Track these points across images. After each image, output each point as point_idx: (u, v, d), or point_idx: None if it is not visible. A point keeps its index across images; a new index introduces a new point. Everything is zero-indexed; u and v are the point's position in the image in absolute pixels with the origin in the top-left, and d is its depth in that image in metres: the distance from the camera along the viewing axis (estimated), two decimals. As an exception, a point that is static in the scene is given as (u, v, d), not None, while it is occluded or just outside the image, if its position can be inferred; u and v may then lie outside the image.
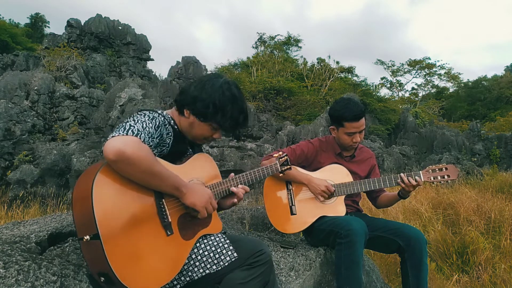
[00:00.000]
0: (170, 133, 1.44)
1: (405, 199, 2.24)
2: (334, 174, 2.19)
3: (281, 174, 1.85)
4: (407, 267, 2.00)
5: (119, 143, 1.16)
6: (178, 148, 1.50)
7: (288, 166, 1.83)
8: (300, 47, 27.17)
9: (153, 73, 18.84)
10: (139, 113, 1.39)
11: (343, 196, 2.15)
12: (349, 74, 24.14)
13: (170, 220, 1.32)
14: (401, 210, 4.92)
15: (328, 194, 2.09)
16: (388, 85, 31.07)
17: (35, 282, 1.21)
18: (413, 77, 30.68)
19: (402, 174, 2.05)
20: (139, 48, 17.13)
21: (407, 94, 31.43)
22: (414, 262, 1.98)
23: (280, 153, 1.89)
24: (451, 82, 32.11)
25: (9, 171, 9.12)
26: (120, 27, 16.91)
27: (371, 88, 24.67)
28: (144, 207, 1.26)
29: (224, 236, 1.52)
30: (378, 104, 18.20)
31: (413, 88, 32.93)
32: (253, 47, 27.57)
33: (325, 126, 12.34)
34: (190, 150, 1.60)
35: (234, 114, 1.45)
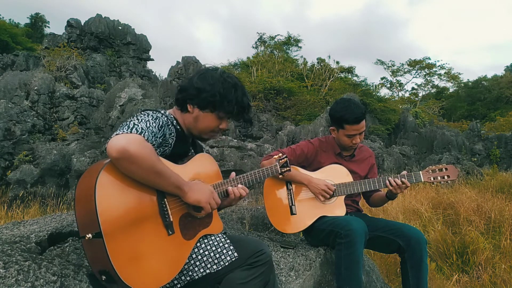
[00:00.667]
0: (173, 133, 1.45)
1: (393, 200, 2.25)
2: (334, 174, 2.19)
3: (280, 176, 1.86)
4: (407, 267, 2.01)
5: (122, 141, 1.16)
6: (180, 149, 1.50)
7: (288, 168, 1.83)
8: (300, 47, 27.21)
9: (153, 73, 18.84)
10: (142, 112, 1.40)
11: (343, 196, 2.16)
12: (349, 74, 24.15)
13: (171, 219, 1.32)
14: (401, 210, 4.92)
15: (329, 193, 2.09)
16: (388, 85, 31.11)
17: (35, 282, 1.21)
18: (413, 77, 30.73)
19: (390, 178, 2.06)
20: (139, 48, 17.12)
21: (407, 94, 31.48)
22: (414, 262, 1.98)
23: (280, 154, 1.89)
24: (451, 82, 32.16)
25: (9, 171, 9.12)
26: (120, 27, 16.91)
27: (371, 88, 24.69)
28: (146, 206, 1.26)
29: (224, 236, 1.53)
30: (378, 104, 18.20)
31: (413, 88, 32.98)
32: (253, 47, 27.61)
33: (325, 126, 12.34)
34: (192, 151, 1.61)
35: (238, 99, 1.48)
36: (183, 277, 1.40)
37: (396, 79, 30.85)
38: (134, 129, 1.24)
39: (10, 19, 30.26)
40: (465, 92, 32.48)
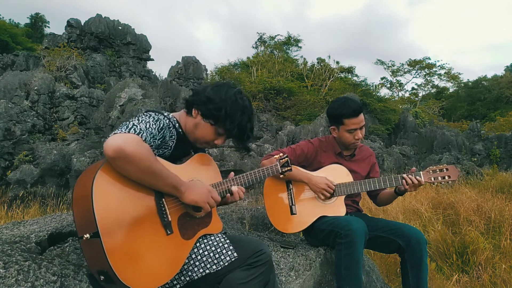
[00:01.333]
0: (173, 136, 1.45)
1: (402, 196, 2.24)
2: (335, 174, 2.19)
3: (281, 175, 1.86)
4: (407, 267, 2.01)
5: (119, 140, 1.16)
6: (181, 151, 1.50)
7: (289, 168, 1.84)
8: (300, 47, 27.18)
9: (153, 73, 18.84)
10: (144, 113, 1.40)
11: (343, 196, 2.15)
12: (349, 74, 24.13)
13: (170, 219, 1.32)
14: (401, 210, 4.92)
15: (329, 191, 2.09)
16: (388, 85, 31.08)
17: (35, 282, 1.20)
18: (413, 77, 30.70)
19: (405, 175, 2.05)
20: (139, 48, 17.12)
21: (407, 94, 31.46)
22: (414, 262, 1.98)
23: (281, 154, 1.89)
24: (451, 82, 32.14)
25: (9, 171, 9.12)
26: (120, 27, 16.90)
27: (371, 88, 24.65)
28: (144, 206, 1.26)
29: (224, 236, 1.52)
30: (378, 104, 18.19)
31: (413, 88, 32.95)
32: (253, 47, 27.59)
33: (325, 126, 12.34)
34: (193, 153, 1.60)
35: (242, 123, 1.47)
36: (182, 277, 1.40)
37: (396, 79, 30.86)
38: (132, 129, 1.24)
39: (10, 19, 30.27)
40: (465, 92, 32.47)
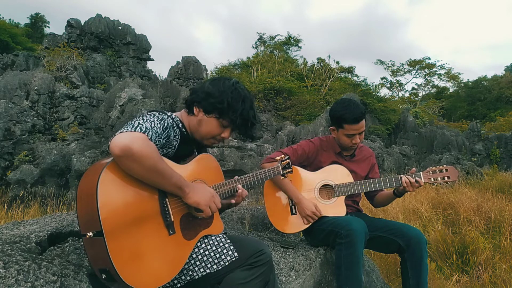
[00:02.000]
0: (177, 136, 1.45)
1: (400, 197, 2.24)
2: (335, 174, 2.19)
3: (282, 177, 1.86)
4: (407, 267, 2.01)
5: (126, 139, 1.16)
6: (184, 151, 1.51)
7: (290, 169, 1.84)
8: (300, 47, 27.21)
9: (153, 73, 18.84)
10: (148, 113, 1.40)
11: (344, 196, 2.15)
12: (349, 74, 24.14)
13: (172, 219, 1.33)
14: (401, 210, 4.92)
15: (314, 219, 2.08)
16: (388, 85, 31.09)
17: (35, 282, 1.21)
18: (413, 77, 30.72)
19: (404, 176, 2.05)
20: (139, 48, 17.12)
21: (407, 94, 31.47)
22: (414, 262, 1.98)
23: (283, 156, 1.90)
24: (451, 82, 32.14)
25: (9, 171, 9.12)
26: (120, 27, 16.90)
27: (371, 88, 24.68)
28: (147, 206, 1.26)
29: (224, 236, 1.53)
30: (378, 104, 18.20)
31: (413, 88, 32.98)
32: (253, 47, 27.63)
33: (325, 126, 12.35)
34: (196, 153, 1.60)
35: (244, 112, 1.48)
36: (183, 277, 1.40)
37: (396, 79, 30.87)
38: (138, 128, 1.24)
39: (10, 19, 30.25)
40: (465, 92, 32.47)
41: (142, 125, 1.27)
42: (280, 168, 1.81)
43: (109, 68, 15.65)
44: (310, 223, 2.10)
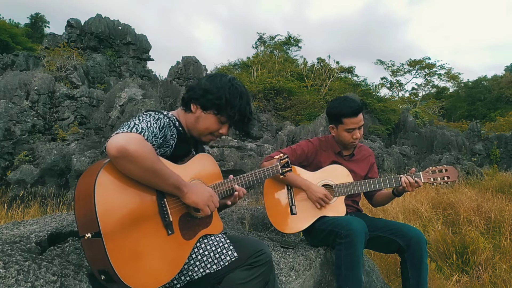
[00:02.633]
0: (174, 135, 1.45)
1: (399, 197, 2.24)
2: (335, 174, 2.19)
3: (281, 176, 1.86)
4: (407, 267, 2.01)
5: (122, 139, 1.16)
6: (182, 150, 1.50)
7: (289, 168, 1.84)
8: (300, 47, 27.20)
9: (153, 73, 18.83)
10: (144, 113, 1.40)
11: (343, 196, 2.15)
12: (349, 74, 24.13)
13: (171, 219, 1.32)
14: (401, 210, 4.92)
15: (326, 202, 2.09)
16: (388, 85, 31.09)
17: (35, 282, 1.21)
18: (413, 77, 30.72)
19: (404, 176, 2.05)
20: (139, 48, 17.11)
21: (407, 94, 31.47)
22: (414, 262, 1.98)
23: (281, 154, 1.89)
24: (451, 82, 32.14)
25: (9, 171, 9.12)
26: (120, 27, 16.90)
27: (371, 88, 24.68)
28: (145, 206, 1.26)
29: (224, 236, 1.53)
30: (378, 104, 18.21)
31: (413, 88, 32.97)
32: (253, 47, 27.62)
33: (325, 126, 12.35)
34: (194, 152, 1.60)
35: (241, 107, 1.49)
36: (183, 277, 1.40)
37: (396, 79, 30.87)
38: (134, 129, 1.24)
39: (10, 19, 30.24)
40: (465, 92, 32.46)
41: (138, 125, 1.27)
42: (279, 166, 1.81)
43: (109, 68, 15.65)
44: (314, 221, 2.10)
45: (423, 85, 31.67)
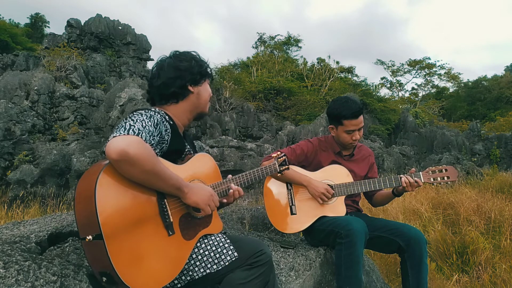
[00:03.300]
0: (168, 130, 1.44)
1: (399, 197, 2.24)
2: (334, 174, 2.19)
3: (279, 174, 1.86)
4: (407, 267, 2.01)
5: (122, 143, 1.15)
6: (176, 145, 1.49)
7: (286, 166, 1.84)
8: (300, 47, 27.21)
9: (153, 73, 18.78)
10: (135, 113, 1.39)
11: (343, 196, 2.16)
12: (349, 74, 24.15)
13: (171, 220, 1.32)
14: (401, 210, 4.92)
15: (328, 196, 2.10)
16: (388, 85, 31.10)
17: (35, 282, 1.21)
18: (413, 77, 30.71)
19: (404, 176, 2.05)
20: (139, 48, 17.12)
21: (407, 94, 31.47)
22: (414, 262, 1.98)
23: (279, 153, 1.90)
24: (451, 82, 32.13)
25: (9, 171, 9.12)
26: (120, 27, 16.90)
27: (371, 88, 24.67)
28: (146, 207, 1.26)
29: (224, 236, 1.53)
30: (378, 104, 18.21)
31: (413, 88, 32.98)
32: (253, 47, 27.63)
33: (325, 126, 12.35)
34: (188, 147, 1.60)
35: (203, 59, 1.63)
36: (183, 277, 1.40)
37: (396, 79, 30.87)
38: (131, 131, 1.23)
39: (10, 19, 30.26)
40: (465, 92, 32.46)
41: (134, 126, 1.26)
42: (277, 165, 1.81)
43: (109, 68, 15.65)
44: (324, 202, 2.12)
45: (423, 85, 31.70)
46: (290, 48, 27.11)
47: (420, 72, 30.02)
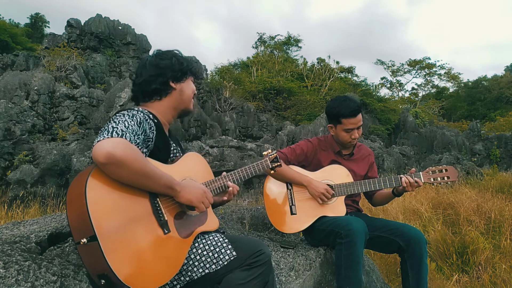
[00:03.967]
0: (152, 127, 1.43)
1: (399, 197, 2.25)
2: (334, 174, 2.19)
3: (272, 171, 1.85)
4: (407, 267, 2.01)
5: (107, 145, 1.15)
6: (162, 142, 1.48)
7: (278, 163, 1.84)
8: (300, 47, 27.21)
9: (153, 73, 18.78)
10: (117, 114, 1.38)
11: (343, 196, 2.16)
12: (349, 74, 24.14)
13: (166, 218, 1.32)
14: (401, 210, 4.92)
15: (327, 197, 2.10)
16: (388, 85, 31.08)
17: (35, 282, 1.21)
18: (413, 77, 30.70)
19: (404, 176, 2.05)
20: (139, 48, 17.11)
21: (407, 94, 31.46)
22: (414, 262, 1.98)
23: (270, 150, 1.90)
24: (451, 82, 32.12)
25: (9, 171, 9.12)
26: (120, 27, 16.90)
27: (371, 88, 24.66)
28: (139, 207, 1.26)
29: (223, 235, 1.53)
30: (378, 104, 18.21)
31: (413, 88, 32.98)
32: (253, 47, 27.62)
33: (325, 126, 12.35)
34: (174, 145, 1.60)
35: (184, 57, 1.64)
36: (182, 278, 1.40)
37: (396, 79, 30.86)
38: (114, 133, 1.21)
39: (10, 19, 30.21)
40: (465, 92, 32.45)
41: (117, 128, 1.24)
42: (269, 162, 1.81)
43: (109, 68, 15.65)
44: (324, 202, 2.12)
45: (423, 85, 31.69)
46: (290, 48, 27.13)
47: (420, 72, 30.02)
